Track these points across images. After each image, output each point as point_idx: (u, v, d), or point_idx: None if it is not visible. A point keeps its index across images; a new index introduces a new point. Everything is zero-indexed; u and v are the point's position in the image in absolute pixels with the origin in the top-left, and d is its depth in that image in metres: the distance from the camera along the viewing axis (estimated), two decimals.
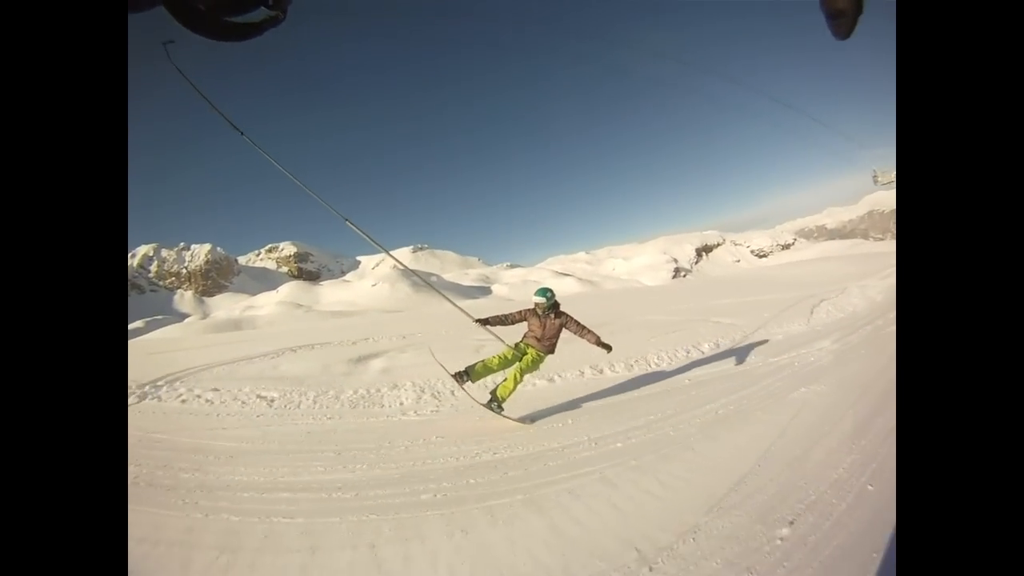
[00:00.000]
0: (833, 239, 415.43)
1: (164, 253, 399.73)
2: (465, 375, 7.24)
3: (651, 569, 3.53)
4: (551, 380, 9.13)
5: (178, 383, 9.68)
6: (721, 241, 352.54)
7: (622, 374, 9.36)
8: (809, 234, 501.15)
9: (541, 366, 7.55)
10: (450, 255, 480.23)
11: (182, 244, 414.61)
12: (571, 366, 9.55)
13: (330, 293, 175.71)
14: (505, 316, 7.57)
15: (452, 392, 8.44)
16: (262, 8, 0.85)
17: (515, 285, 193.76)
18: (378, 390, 8.59)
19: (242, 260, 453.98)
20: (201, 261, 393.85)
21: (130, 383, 9.58)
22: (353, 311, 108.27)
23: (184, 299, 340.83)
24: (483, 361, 7.40)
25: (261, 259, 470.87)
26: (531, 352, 7.47)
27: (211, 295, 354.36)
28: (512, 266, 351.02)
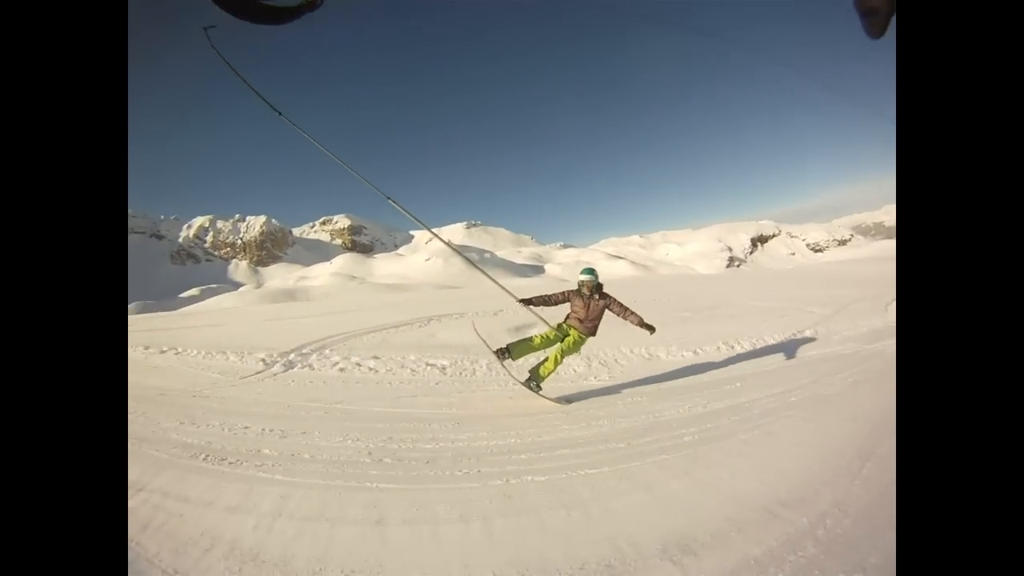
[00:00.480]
0: (891, 237, 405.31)
1: (219, 224, 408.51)
2: (507, 352, 7.29)
3: None
4: (719, 348, 9.78)
5: (327, 351, 10.30)
6: (777, 232, 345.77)
7: (752, 350, 9.84)
8: (866, 231, 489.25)
9: (582, 348, 7.60)
10: (503, 232, 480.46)
11: (237, 216, 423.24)
12: (709, 341, 10.18)
13: (383, 266, 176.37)
14: (549, 296, 7.54)
15: (617, 360, 9.06)
16: None
17: (568, 265, 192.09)
18: (548, 357, 8.62)
19: (296, 232, 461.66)
20: (256, 232, 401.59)
21: (269, 351, 10.41)
22: (406, 284, 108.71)
23: (239, 269, 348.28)
24: (526, 339, 7.50)
25: (315, 231, 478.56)
26: (573, 333, 7.44)
27: (265, 265, 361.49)
28: (565, 246, 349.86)
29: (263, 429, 5.64)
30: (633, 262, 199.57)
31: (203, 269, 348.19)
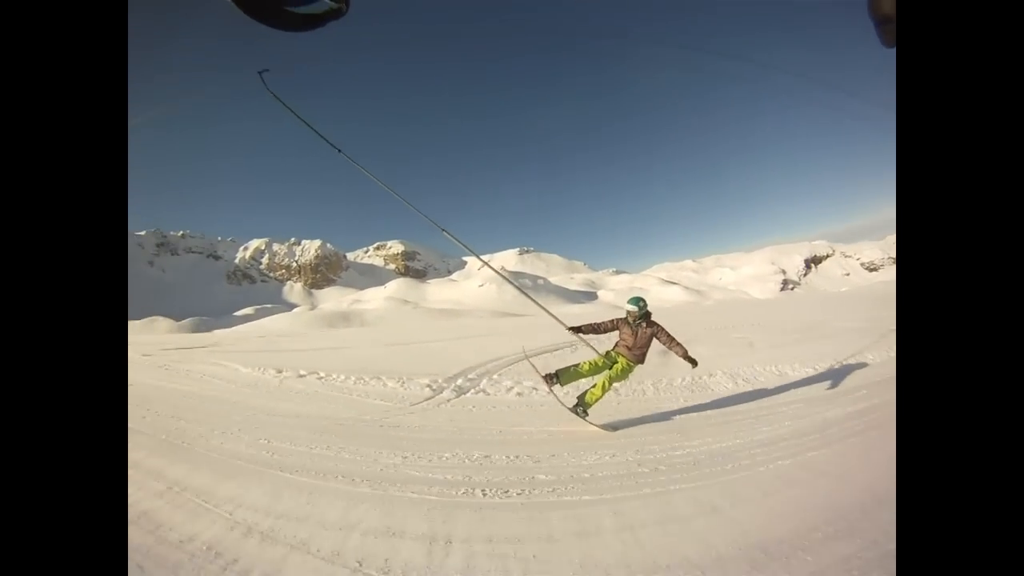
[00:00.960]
0: None
1: (275, 247, 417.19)
2: (555, 378, 7.43)
3: None
4: (831, 364, 10.23)
5: (495, 375, 10.64)
6: (831, 252, 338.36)
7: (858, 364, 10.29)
8: None
9: (630, 376, 7.68)
10: (555, 258, 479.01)
11: (293, 239, 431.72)
12: (821, 359, 10.70)
13: (436, 291, 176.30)
14: (598, 325, 7.71)
15: (756, 376, 9.64)
16: (325, 0, 0.86)
17: (621, 291, 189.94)
18: (700, 377, 9.33)
19: (350, 256, 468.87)
20: (311, 256, 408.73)
21: (431, 376, 10.62)
22: (459, 310, 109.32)
23: (293, 290, 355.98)
24: (574, 366, 7.59)
25: (369, 256, 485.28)
26: (621, 361, 7.52)
27: (320, 288, 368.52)
28: (618, 272, 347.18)
29: (508, 457, 5.55)
30: (686, 287, 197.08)
31: (258, 289, 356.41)
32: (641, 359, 7.58)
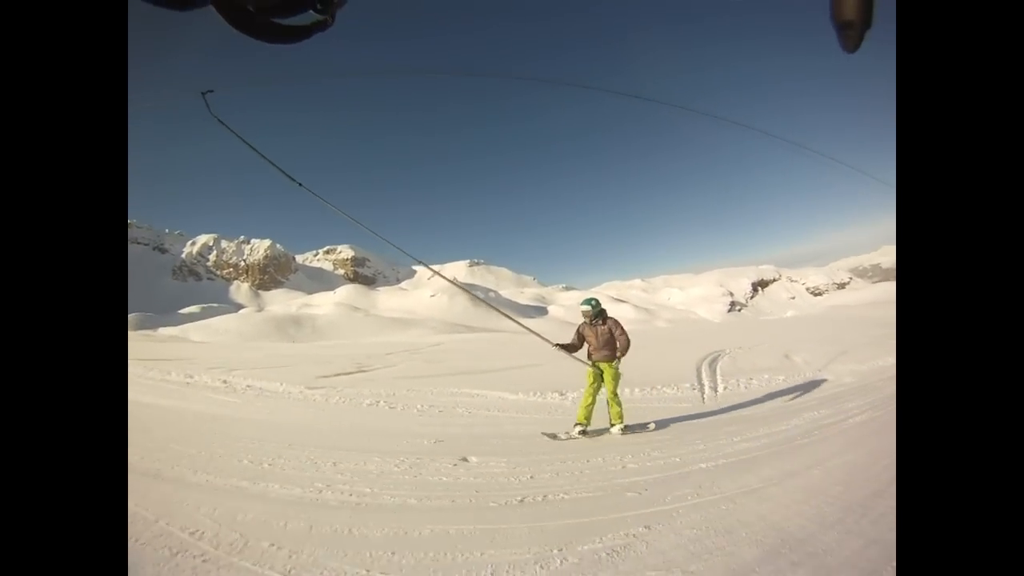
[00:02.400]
0: (888, 279, 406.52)
1: (224, 244, 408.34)
2: (582, 429, 7.66)
3: None
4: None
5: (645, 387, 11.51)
6: (777, 276, 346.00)
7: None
8: (864, 272, 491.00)
9: (621, 370, 8.10)
10: (505, 272, 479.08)
11: (242, 237, 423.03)
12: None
13: (387, 299, 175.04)
14: (570, 344, 8.13)
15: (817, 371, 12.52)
16: (311, 12, 0.85)
17: (571, 308, 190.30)
18: (769, 380, 10.92)
19: (299, 258, 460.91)
20: (260, 256, 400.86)
21: (526, 390, 11.17)
22: (411, 319, 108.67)
23: (240, 291, 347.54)
24: (581, 406, 7.84)
25: (318, 259, 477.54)
26: (605, 368, 7.97)
27: (267, 289, 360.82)
28: (567, 288, 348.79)
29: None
30: (636, 305, 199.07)
31: (204, 287, 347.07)
32: (612, 356, 8.05)
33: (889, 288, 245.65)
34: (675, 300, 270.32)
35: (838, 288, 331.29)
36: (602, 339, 8.07)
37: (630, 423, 7.99)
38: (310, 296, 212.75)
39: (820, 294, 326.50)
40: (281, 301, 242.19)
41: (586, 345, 8.26)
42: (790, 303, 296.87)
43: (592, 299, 8.33)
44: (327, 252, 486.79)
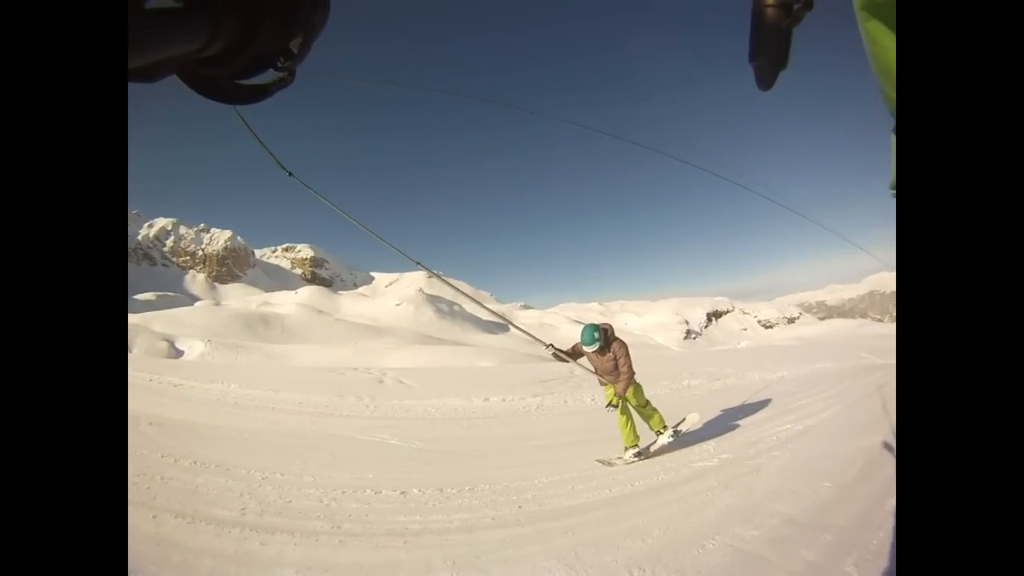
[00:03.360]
0: (832, 316, 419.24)
1: (183, 230, 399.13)
2: (637, 451, 7.13)
3: None
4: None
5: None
6: (731, 308, 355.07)
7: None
8: (809, 308, 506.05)
9: (638, 380, 7.35)
10: (464, 286, 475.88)
11: (202, 225, 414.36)
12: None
13: (350, 305, 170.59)
14: (569, 352, 7.32)
15: None
16: (271, 71, 0.87)
17: (531, 327, 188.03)
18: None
19: (258, 253, 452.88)
20: (220, 246, 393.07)
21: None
22: (379, 327, 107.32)
23: (196, 281, 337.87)
24: (622, 429, 7.26)
25: (277, 256, 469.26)
26: (614, 388, 7.27)
27: (223, 282, 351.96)
28: (526, 307, 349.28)
29: None
30: None
31: (158, 273, 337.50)
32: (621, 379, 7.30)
33: (836, 324, 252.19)
34: (632, 325, 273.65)
35: (788, 322, 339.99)
36: (607, 365, 7.30)
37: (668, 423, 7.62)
38: (269, 294, 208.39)
39: (771, 327, 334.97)
40: (238, 296, 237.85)
41: (594, 367, 7.52)
42: (742, 334, 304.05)
43: (593, 331, 7.22)
44: (286, 250, 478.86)
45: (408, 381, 16.53)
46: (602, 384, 7.54)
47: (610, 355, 7.16)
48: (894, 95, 1.00)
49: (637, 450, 7.10)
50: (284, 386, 14.29)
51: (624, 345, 7.25)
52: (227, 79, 0.84)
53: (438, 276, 6.85)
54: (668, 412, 7.76)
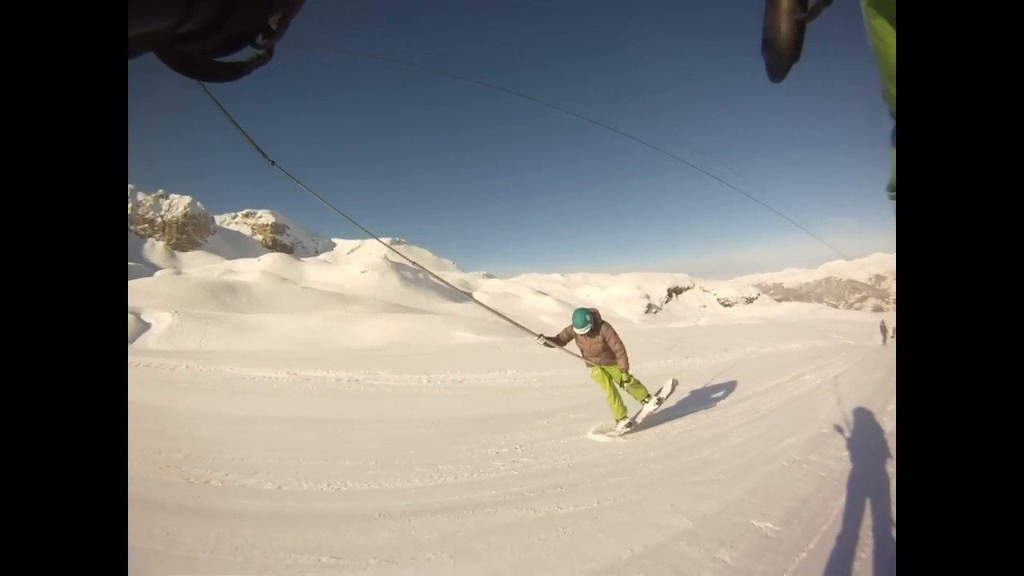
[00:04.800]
0: (788, 299, 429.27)
1: (140, 197, 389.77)
2: (628, 422, 7.50)
3: None
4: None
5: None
6: (691, 285, 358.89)
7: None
8: (767, 289, 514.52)
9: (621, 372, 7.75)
10: (426, 254, 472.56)
11: (161, 191, 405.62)
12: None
13: (315, 272, 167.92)
14: (557, 338, 7.59)
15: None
16: (249, 47, 0.86)
17: (495, 295, 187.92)
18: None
19: (217, 220, 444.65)
20: (179, 213, 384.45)
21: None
22: (344, 294, 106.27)
23: (155, 249, 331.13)
24: (610, 404, 7.66)
25: (237, 222, 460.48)
26: (609, 370, 7.74)
27: (183, 250, 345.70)
28: (488, 275, 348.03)
29: None
30: (559, 300, 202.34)
31: None
32: (609, 360, 7.74)
33: (794, 306, 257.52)
34: (595, 297, 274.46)
35: (747, 302, 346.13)
36: (595, 347, 7.66)
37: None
38: (231, 262, 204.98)
39: (730, 306, 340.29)
40: (199, 264, 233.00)
41: (580, 348, 7.91)
42: (702, 311, 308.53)
43: (585, 314, 7.55)
44: (246, 216, 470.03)
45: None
46: (588, 366, 7.96)
47: (599, 338, 7.57)
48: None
49: (627, 421, 7.53)
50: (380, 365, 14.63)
51: (611, 327, 7.70)
52: (203, 56, 0.83)
53: (411, 262, 6.41)
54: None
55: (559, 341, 7.59)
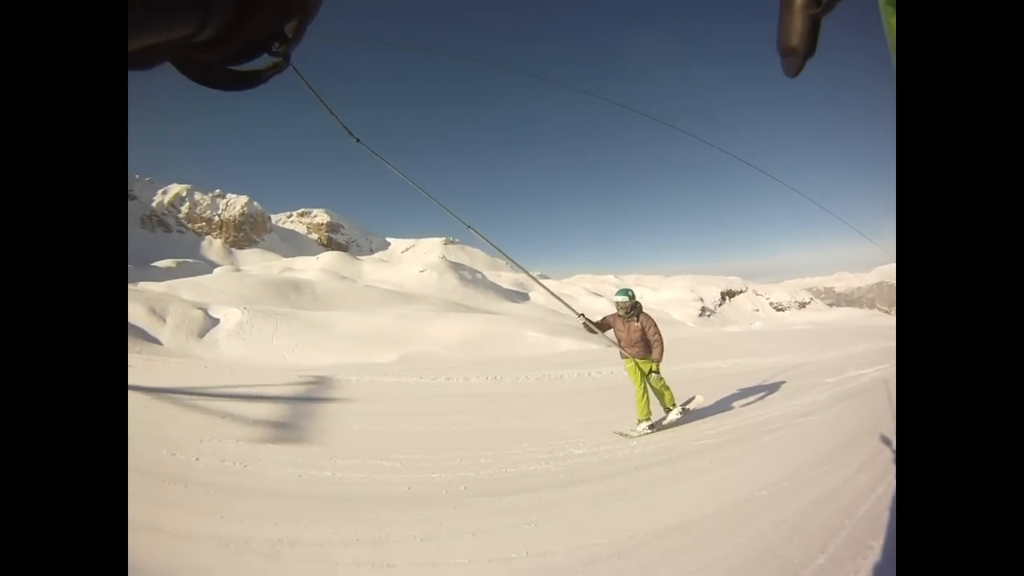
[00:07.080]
0: (840, 303, 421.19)
1: (197, 196, 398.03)
2: (650, 424, 7.59)
3: None
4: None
5: None
6: (744, 289, 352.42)
7: None
8: (818, 294, 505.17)
9: (655, 366, 7.86)
10: (479, 253, 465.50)
11: (218, 191, 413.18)
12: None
13: (373, 271, 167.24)
14: (598, 323, 7.63)
15: None
16: (266, 56, 0.85)
17: (551, 296, 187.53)
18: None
19: (273, 219, 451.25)
20: (236, 212, 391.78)
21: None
22: (405, 293, 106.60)
23: (212, 247, 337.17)
24: (637, 403, 7.73)
25: (292, 221, 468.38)
26: (642, 364, 7.76)
27: (241, 248, 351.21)
28: (543, 276, 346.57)
29: None
30: (612, 301, 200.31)
31: (174, 240, 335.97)
32: (645, 353, 7.78)
33: (846, 312, 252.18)
34: (648, 300, 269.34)
35: (800, 307, 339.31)
36: (633, 336, 7.75)
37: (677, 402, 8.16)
38: (289, 259, 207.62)
39: (783, 310, 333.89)
40: (256, 262, 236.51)
41: (618, 339, 8.00)
42: (755, 315, 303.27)
43: (628, 290, 7.88)
44: (301, 215, 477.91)
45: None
46: (623, 357, 7.94)
47: (637, 325, 7.75)
48: None
49: (650, 423, 7.65)
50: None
51: (651, 317, 7.86)
52: (220, 64, 0.83)
53: (493, 244, 6.61)
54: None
55: (599, 325, 7.67)
